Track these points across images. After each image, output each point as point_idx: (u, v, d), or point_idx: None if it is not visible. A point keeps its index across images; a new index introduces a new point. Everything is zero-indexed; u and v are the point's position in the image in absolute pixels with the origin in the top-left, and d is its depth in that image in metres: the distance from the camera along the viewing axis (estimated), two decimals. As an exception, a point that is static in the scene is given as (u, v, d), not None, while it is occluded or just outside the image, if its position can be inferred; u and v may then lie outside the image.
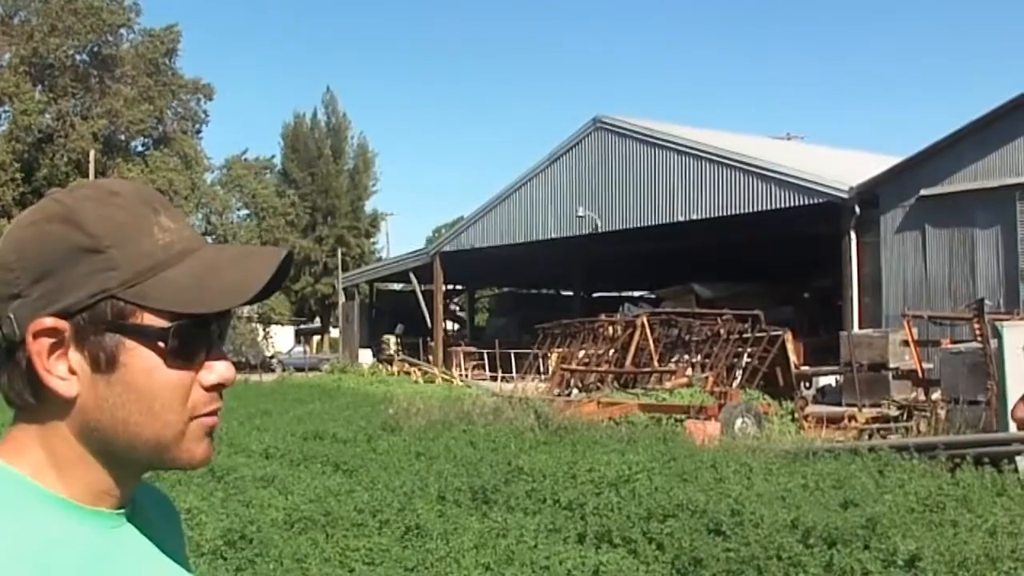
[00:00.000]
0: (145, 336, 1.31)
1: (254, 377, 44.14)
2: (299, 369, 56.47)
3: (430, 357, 51.55)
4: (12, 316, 1.27)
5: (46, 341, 1.27)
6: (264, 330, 66.88)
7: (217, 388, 1.38)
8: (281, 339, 70.50)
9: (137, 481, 1.41)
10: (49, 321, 1.27)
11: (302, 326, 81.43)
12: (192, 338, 1.33)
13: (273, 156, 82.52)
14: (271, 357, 63.50)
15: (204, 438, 1.38)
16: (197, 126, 71.30)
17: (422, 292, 54.82)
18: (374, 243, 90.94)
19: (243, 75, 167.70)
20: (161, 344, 1.31)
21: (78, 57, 64.62)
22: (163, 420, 1.33)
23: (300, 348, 71.57)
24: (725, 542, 9.77)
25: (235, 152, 74.18)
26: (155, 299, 1.30)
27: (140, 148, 68.57)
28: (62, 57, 62.37)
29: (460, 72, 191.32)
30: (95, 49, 64.72)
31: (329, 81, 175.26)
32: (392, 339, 57.19)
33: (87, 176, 53.93)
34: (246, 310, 65.18)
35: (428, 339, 53.83)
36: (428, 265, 53.68)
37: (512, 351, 44.32)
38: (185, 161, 66.24)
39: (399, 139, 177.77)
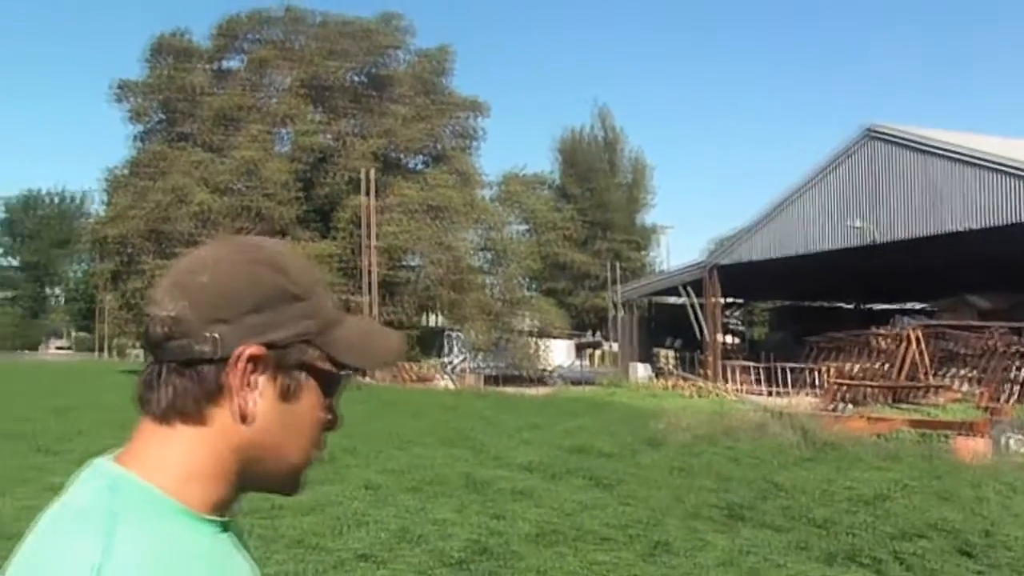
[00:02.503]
0: (325, 379, 1.60)
1: (530, 391, 44.61)
2: (575, 383, 56.76)
3: (707, 371, 51.33)
4: (217, 336, 1.51)
5: (250, 365, 1.53)
6: (542, 344, 67.46)
7: (327, 429, 1.65)
8: (558, 353, 70.92)
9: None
10: (258, 350, 1.53)
11: (580, 340, 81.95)
12: (342, 386, 1.65)
13: (551, 171, 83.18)
14: (549, 371, 64.05)
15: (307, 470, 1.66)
16: (472, 143, 72.76)
17: (699, 306, 54.58)
18: (652, 255, 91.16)
19: (515, 91, 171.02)
20: (330, 387, 1.61)
21: (354, 78, 66.95)
22: (305, 450, 1.61)
23: (579, 362, 72.02)
24: (975, 564, 9.61)
25: (508, 167, 75.24)
26: (336, 350, 1.60)
27: (417, 166, 70.39)
28: (339, 79, 64.79)
29: (735, 81, 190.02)
30: (371, 70, 66.98)
31: (601, 94, 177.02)
32: (667, 353, 57.17)
33: (364, 194, 55.77)
34: (526, 324, 66.05)
35: (702, 353, 53.63)
36: (702, 278, 53.59)
37: (787, 365, 43.78)
38: (462, 178, 67.44)
39: (677, 152, 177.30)
